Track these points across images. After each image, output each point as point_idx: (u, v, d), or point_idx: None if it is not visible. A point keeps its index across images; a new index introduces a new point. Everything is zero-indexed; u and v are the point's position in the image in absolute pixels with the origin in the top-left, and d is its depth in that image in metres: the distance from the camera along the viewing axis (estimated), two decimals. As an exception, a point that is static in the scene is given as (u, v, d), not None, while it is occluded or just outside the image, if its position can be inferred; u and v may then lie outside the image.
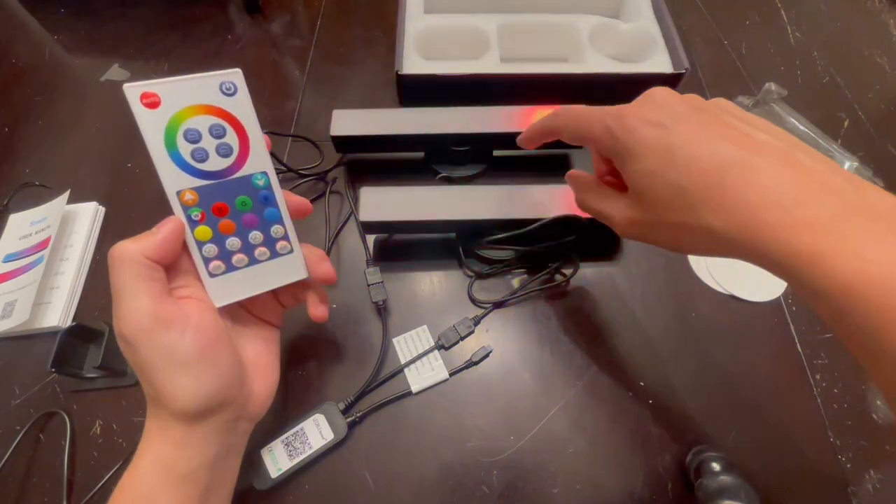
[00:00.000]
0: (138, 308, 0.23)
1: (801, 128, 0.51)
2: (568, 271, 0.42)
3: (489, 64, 0.49)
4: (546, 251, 0.42)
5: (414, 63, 0.49)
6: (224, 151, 0.25)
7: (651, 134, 0.24)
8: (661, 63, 0.49)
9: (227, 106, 0.25)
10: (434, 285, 0.43)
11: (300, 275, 0.29)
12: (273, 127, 0.47)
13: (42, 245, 0.43)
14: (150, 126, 0.24)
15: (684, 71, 0.47)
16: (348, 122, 0.45)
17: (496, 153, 0.48)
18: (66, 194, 0.46)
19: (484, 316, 0.41)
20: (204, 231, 0.26)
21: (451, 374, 0.38)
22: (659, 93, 0.26)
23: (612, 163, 0.29)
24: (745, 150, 0.21)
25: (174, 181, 0.25)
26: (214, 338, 0.25)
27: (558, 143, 0.47)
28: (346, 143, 0.46)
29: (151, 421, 0.26)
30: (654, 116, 0.24)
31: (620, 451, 0.36)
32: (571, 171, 0.33)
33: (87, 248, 0.45)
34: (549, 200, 0.40)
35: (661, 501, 0.34)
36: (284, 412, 0.36)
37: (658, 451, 0.35)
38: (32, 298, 0.40)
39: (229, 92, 0.25)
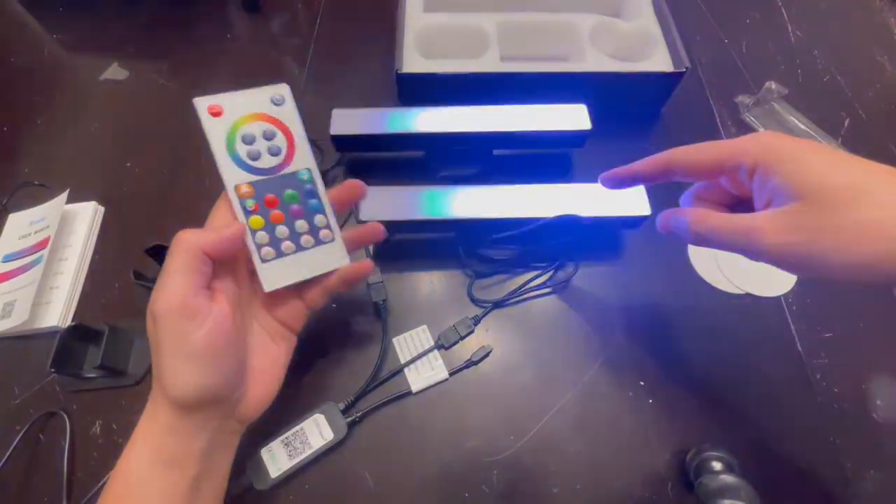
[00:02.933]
0: (175, 292, 0.25)
1: (802, 126, 0.51)
2: (568, 271, 0.42)
3: (489, 63, 0.49)
4: (546, 251, 0.42)
5: (414, 62, 0.49)
6: (274, 151, 0.29)
7: (806, 142, 0.24)
8: (661, 62, 0.49)
9: (276, 114, 0.29)
10: (434, 285, 0.42)
11: (341, 261, 0.32)
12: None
13: (41, 245, 0.43)
14: (215, 131, 0.28)
15: (685, 70, 0.47)
16: (348, 121, 0.44)
17: (496, 153, 0.48)
18: (65, 194, 0.46)
19: (484, 315, 0.41)
20: (257, 220, 0.29)
21: (451, 374, 0.38)
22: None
23: (731, 194, 0.28)
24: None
25: (233, 177, 0.28)
26: (226, 339, 0.27)
27: (558, 143, 0.48)
28: (345, 143, 0.45)
29: (150, 402, 0.27)
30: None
31: (620, 450, 0.36)
32: (690, 209, 0.28)
33: (87, 247, 0.45)
34: (549, 200, 0.40)
35: (661, 501, 0.34)
36: (284, 412, 0.36)
37: (658, 450, 0.35)
38: (32, 298, 0.40)
39: (279, 102, 0.29)
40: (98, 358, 0.36)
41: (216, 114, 0.28)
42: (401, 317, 0.41)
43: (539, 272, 0.42)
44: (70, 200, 0.46)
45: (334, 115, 0.45)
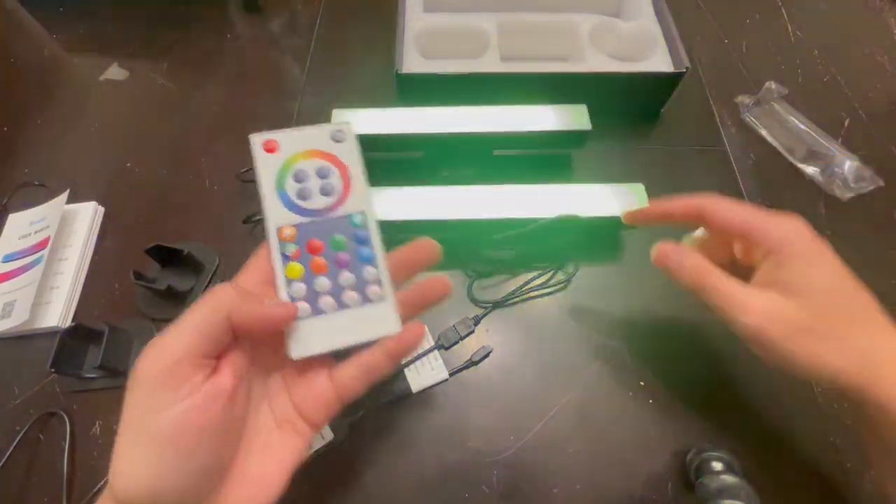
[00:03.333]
0: (169, 352, 0.20)
1: (802, 126, 0.51)
2: (568, 271, 0.42)
3: (489, 63, 0.49)
4: (546, 251, 0.42)
5: (414, 62, 0.49)
6: (326, 190, 0.26)
7: (826, 249, 0.28)
8: (661, 62, 0.49)
9: (335, 150, 0.27)
10: (434, 285, 0.42)
11: (391, 328, 0.25)
12: (272, 127, 0.47)
13: (41, 245, 0.43)
14: (266, 168, 0.26)
15: (685, 70, 0.47)
16: (348, 121, 0.44)
17: (496, 153, 0.48)
18: (66, 194, 0.46)
19: (484, 316, 0.41)
20: (295, 269, 0.25)
21: (451, 374, 0.38)
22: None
23: (731, 253, 0.31)
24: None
25: (277, 217, 0.25)
26: (208, 426, 0.20)
27: (558, 143, 0.48)
28: (345, 143, 0.45)
29: (104, 492, 0.21)
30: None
31: (620, 450, 0.36)
32: (696, 257, 0.31)
33: (87, 247, 0.45)
34: (549, 200, 0.40)
35: (661, 501, 0.34)
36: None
37: (658, 450, 0.35)
38: (32, 298, 0.40)
39: (339, 139, 0.27)
40: (98, 358, 0.36)
41: (271, 150, 0.26)
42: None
43: (539, 272, 0.42)
44: (70, 200, 0.46)
45: (334, 116, 0.45)
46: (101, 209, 0.47)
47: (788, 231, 0.28)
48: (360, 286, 0.25)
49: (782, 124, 0.52)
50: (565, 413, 0.37)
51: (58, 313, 0.41)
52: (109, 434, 0.37)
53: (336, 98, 0.55)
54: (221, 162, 0.49)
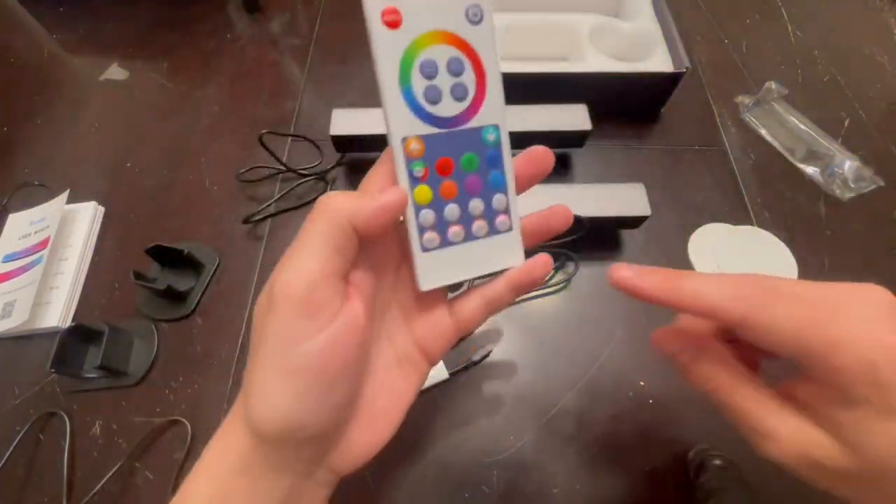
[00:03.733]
0: (306, 270, 0.18)
1: (802, 126, 0.51)
2: (568, 271, 0.42)
3: (489, 63, 0.49)
4: (546, 251, 0.42)
5: (414, 62, 0.49)
6: (459, 93, 0.21)
7: None
8: (661, 62, 0.49)
9: (470, 36, 0.20)
10: (434, 285, 0.42)
11: (515, 260, 0.23)
12: (273, 126, 0.47)
13: (41, 245, 0.43)
14: (387, 52, 0.20)
15: (684, 70, 0.47)
16: (348, 121, 0.44)
17: (496, 152, 0.48)
18: (66, 194, 0.46)
19: (484, 316, 0.41)
20: (424, 192, 0.21)
21: (451, 374, 0.38)
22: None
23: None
24: None
25: (403, 125, 0.21)
26: (347, 357, 0.19)
27: (558, 143, 0.48)
28: (345, 143, 0.45)
29: (229, 416, 0.20)
30: None
31: (620, 450, 0.36)
32: (700, 343, 0.26)
33: (87, 247, 0.45)
34: (549, 200, 0.40)
35: (661, 500, 0.34)
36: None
37: (658, 450, 0.35)
38: (32, 298, 0.40)
39: (475, 19, 0.20)
40: (98, 358, 0.36)
41: (392, 24, 0.19)
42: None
43: (539, 272, 0.42)
44: (70, 200, 0.46)
45: (334, 115, 0.45)
46: (101, 209, 0.47)
47: (871, 361, 0.18)
48: (489, 216, 0.22)
49: (782, 124, 0.52)
50: (565, 413, 0.37)
51: (58, 313, 0.41)
52: (109, 434, 0.36)
53: (336, 98, 0.55)
54: (221, 162, 0.49)
